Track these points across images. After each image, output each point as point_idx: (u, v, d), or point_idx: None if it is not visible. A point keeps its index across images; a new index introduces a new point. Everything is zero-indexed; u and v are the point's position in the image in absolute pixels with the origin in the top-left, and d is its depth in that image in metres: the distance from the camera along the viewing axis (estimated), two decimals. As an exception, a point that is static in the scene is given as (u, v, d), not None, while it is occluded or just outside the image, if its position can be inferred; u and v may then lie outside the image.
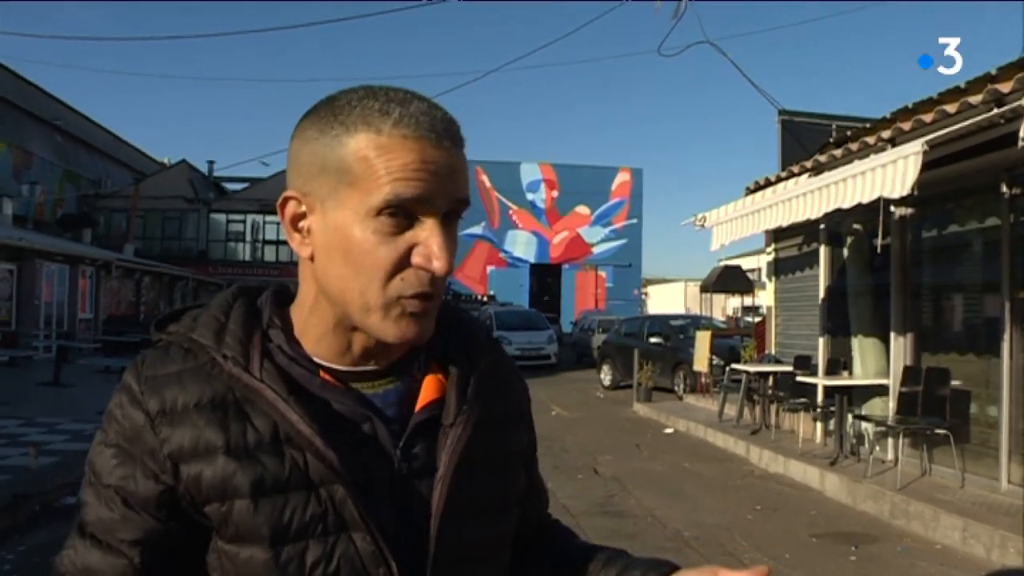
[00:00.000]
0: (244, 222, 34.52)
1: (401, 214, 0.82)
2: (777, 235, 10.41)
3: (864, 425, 7.92)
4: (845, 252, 8.79)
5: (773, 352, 10.83)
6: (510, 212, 42.11)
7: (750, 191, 10.07)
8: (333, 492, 0.84)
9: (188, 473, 0.84)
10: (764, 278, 12.77)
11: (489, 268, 41.49)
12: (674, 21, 12.54)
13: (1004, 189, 6.41)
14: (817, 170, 8.36)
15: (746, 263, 23.77)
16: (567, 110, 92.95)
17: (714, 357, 13.51)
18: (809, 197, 6.94)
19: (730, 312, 30.50)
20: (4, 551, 5.30)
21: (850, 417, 8.02)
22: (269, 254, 34.52)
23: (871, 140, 7.51)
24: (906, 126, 6.80)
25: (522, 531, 1.06)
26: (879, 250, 7.09)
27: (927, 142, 5.48)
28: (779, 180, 9.44)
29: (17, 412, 10.32)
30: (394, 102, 0.84)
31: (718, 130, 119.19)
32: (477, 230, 40.50)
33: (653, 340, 16.37)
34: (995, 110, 5.40)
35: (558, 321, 32.41)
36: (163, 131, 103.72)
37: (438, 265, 0.83)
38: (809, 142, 10.31)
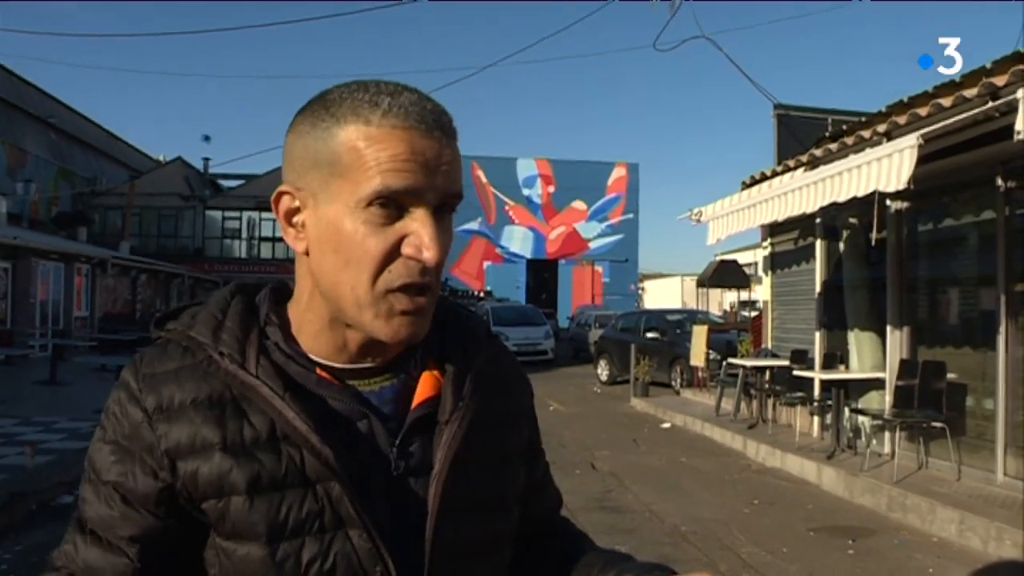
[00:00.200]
0: (240, 219, 34.43)
1: (391, 205, 0.82)
2: (773, 229, 10.41)
3: (861, 419, 7.94)
4: (841, 246, 8.80)
5: (770, 346, 10.84)
6: (506, 208, 42.09)
7: (746, 185, 10.07)
8: (330, 489, 0.84)
9: (185, 470, 0.85)
10: (760, 272, 12.78)
11: (485, 264, 41.48)
12: (670, 16, 12.51)
13: (1000, 182, 6.41)
14: (813, 164, 8.36)
15: (742, 258, 23.74)
16: (563, 105, 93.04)
17: (711, 352, 13.51)
18: (805, 191, 6.94)
19: (727, 307, 30.55)
20: (1, 550, 5.29)
21: (847, 411, 8.04)
22: (265, 251, 34.45)
23: (867, 134, 7.51)
24: (901, 120, 6.80)
25: (526, 531, 1.05)
26: (873, 243, 7.09)
27: (922, 136, 5.48)
28: (775, 174, 9.44)
29: (13, 411, 10.29)
30: (383, 93, 0.84)
31: (714, 125, 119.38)
32: (473, 226, 40.50)
33: (650, 335, 16.38)
34: (990, 103, 5.39)
35: (555, 316, 32.43)
36: (158, 128, 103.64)
37: (428, 255, 0.82)
38: (805, 136, 10.31)
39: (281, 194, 0.88)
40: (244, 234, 34.72)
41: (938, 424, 6.71)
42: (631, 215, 43.28)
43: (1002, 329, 6.34)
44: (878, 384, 7.98)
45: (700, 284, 21.48)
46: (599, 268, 42.22)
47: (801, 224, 9.41)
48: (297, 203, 0.87)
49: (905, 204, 7.64)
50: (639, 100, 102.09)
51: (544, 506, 1.14)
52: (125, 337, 19.06)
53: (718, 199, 9.72)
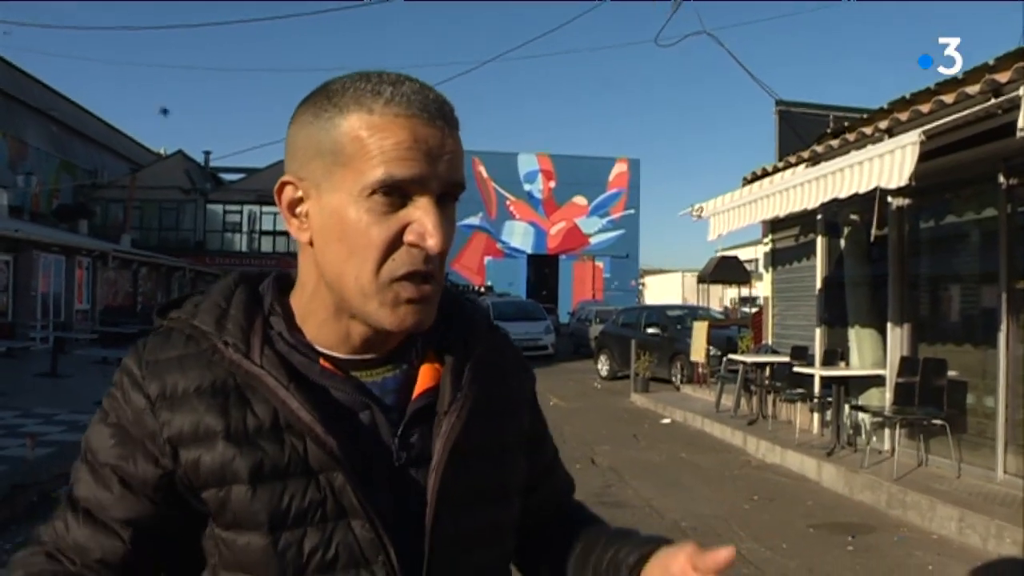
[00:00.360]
0: (241, 212, 34.41)
1: (395, 193, 0.82)
2: (774, 225, 10.40)
3: (861, 415, 7.94)
4: (842, 243, 8.79)
5: (770, 342, 10.84)
6: (507, 203, 42.07)
7: (747, 181, 10.06)
8: (332, 479, 0.84)
9: (187, 458, 0.85)
10: (761, 268, 12.78)
11: (486, 259, 41.48)
12: (671, 11, 12.48)
13: (1001, 179, 6.40)
14: (814, 160, 8.35)
15: (743, 254, 23.77)
16: (565, 101, 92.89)
17: (711, 347, 13.52)
18: (806, 187, 6.93)
19: (727, 303, 30.53)
20: (2, 541, 5.30)
21: (847, 407, 8.04)
22: (266, 245, 34.43)
23: (868, 130, 7.50)
24: (903, 116, 6.79)
25: (539, 516, 1.06)
26: (873, 240, 7.08)
27: (924, 132, 5.47)
28: (776, 170, 9.43)
29: (14, 403, 10.30)
30: (386, 83, 0.84)
31: (716, 120, 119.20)
32: (474, 221, 40.49)
33: (650, 330, 16.37)
34: (993, 100, 5.39)
35: (555, 312, 32.41)
36: (159, 121, 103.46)
37: (432, 242, 0.82)
38: (806, 133, 10.29)
39: (284, 184, 0.88)
40: (245, 228, 34.71)
41: (938, 421, 6.70)
42: (632, 210, 43.27)
43: (1003, 327, 6.33)
44: (878, 381, 7.98)
45: (701, 280, 21.48)
46: (600, 263, 42.22)
47: (802, 220, 9.40)
48: (300, 193, 0.87)
49: (906, 201, 7.63)
50: (641, 95, 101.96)
51: (555, 490, 1.14)
52: (126, 330, 19.04)
53: (719, 195, 9.71)
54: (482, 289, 33.36)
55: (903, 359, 7.48)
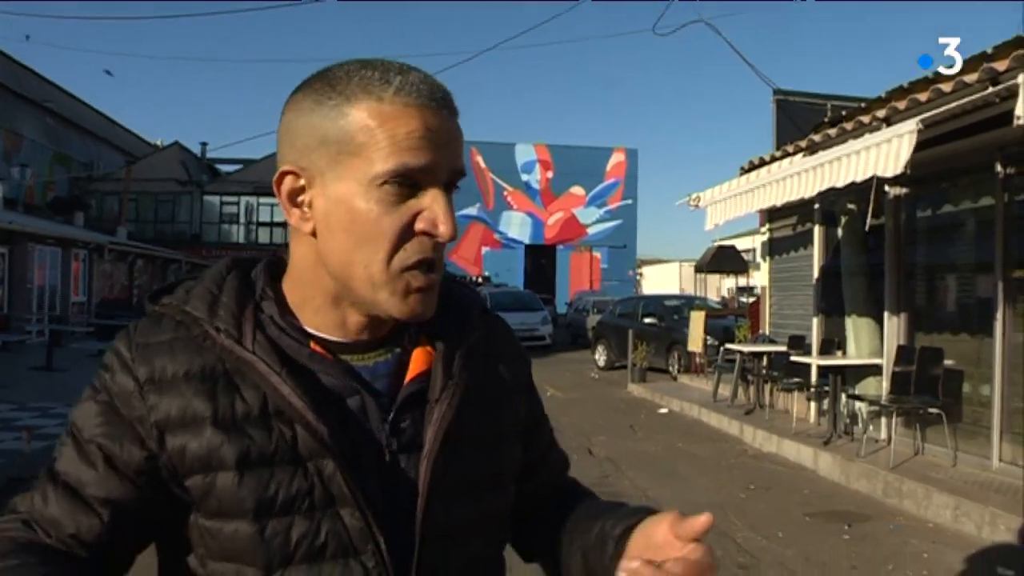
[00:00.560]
0: (238, 204, 34.35)
1: (405, 183, 0.82)
2: (771, 215, 10.40)
3: (857, 405, 7.96)
4: (839, 232, 8.78)
5: (767, 332, 10.86)
6: (505, 193, 41.99)
7: (744, 171, 10.05)
8: (322, 467, 0.84)
9: (173, 444, 0.84)
10: (758, 258, 12.78)
11: (484, 249, 41.41)
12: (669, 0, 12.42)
13: (998, 168, 6.40)
14: (811, 149, 8.34)
15: (741, 243, 23.76)
16: (562, 91, 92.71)
17: (708, 337, 13.53)
18: (803, 176, 6.92)
19: (725, 292, 30.57)
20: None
21: (844, 397, 8.06)
22: (263, 236, 34.37)
23: (866, 119, 7.49)
24: (901, 105, 6.78)
25: (537, 498, 1.06)
26: (868, 229, 7.08)
27: (922, 121, 5.46)
28: (773, 160, 9.41)
29: (10, 396, 10.30)
30: (392, 71, 0.83)
31: (713, 110, 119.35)
32: (472, 211, 40.40)
33: (647, 320, 16.39)
34: (990, 88, 5.37)
35: (553, 302, 32.40)
36: (155, 113, 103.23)
37: (443, 230, 0.82)
38: (804, 122, 10.27)
39: (284, 174, 0.86)
40: (242, 219, 34.65)
41: (934, 410, 6.72)
42: (630, 201, 43.20)
43: (999, 315, 6.34)
44: (875, 370, 7.99)
45: (698, 270, 21.51)
46: (597, 254, 42.18)
47: (799, 210, 9.39)
48: (302, 182, 0.86)
49: (904, 190, 7.62)
50: (638, 85, 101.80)
51: (552, 471, 1.14)
52: (122, 323, 18.60)
53: (716, 184, 9.70)
54: (479, 279, 33.35)
55: (899, 348, 7.49)
